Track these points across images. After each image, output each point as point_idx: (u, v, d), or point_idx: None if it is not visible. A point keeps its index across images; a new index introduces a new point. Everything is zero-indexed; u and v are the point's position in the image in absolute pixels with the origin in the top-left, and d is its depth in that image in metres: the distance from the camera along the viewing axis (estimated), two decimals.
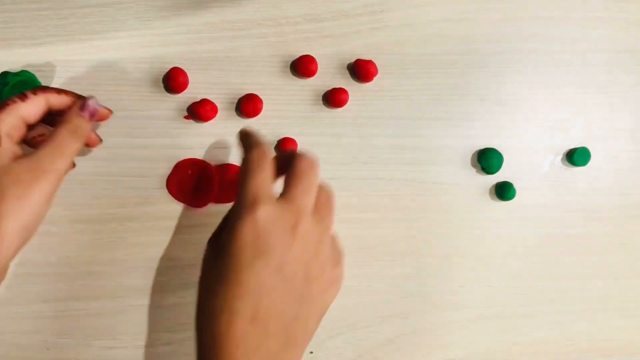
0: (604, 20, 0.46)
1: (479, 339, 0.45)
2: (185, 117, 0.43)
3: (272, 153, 0.35)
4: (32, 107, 0.34)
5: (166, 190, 0.42)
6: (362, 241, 0.44)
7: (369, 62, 0.43)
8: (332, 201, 0.34)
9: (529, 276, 0.45)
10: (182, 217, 0.43)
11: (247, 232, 0.29)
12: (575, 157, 0.45)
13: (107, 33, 0.43)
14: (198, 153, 0.43)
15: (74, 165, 0.40)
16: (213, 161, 0.43)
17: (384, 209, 0.44)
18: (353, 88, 0.44)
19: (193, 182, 0.40)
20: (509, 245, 0.45)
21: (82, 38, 0.43)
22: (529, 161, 0.46)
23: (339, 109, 0.44)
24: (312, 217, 0.32)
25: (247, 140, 0.34)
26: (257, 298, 0.29)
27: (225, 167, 0.42)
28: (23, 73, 0.42)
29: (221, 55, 0.44)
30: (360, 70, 0.44)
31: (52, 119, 0.37)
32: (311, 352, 0.44)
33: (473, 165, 0.45)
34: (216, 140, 0.43)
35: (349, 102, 0.44)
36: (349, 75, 0.45)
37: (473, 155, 0.45)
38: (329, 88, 0.44)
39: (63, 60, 0.43)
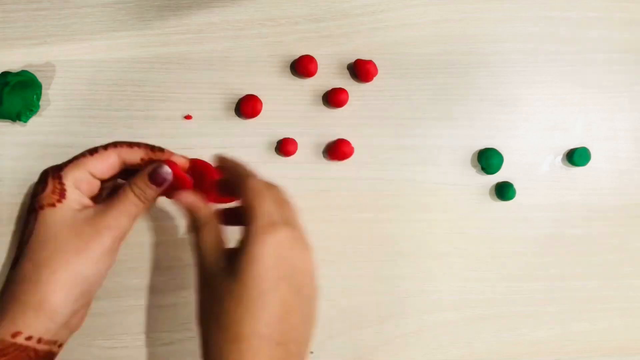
0: (604, 20, 0.46)
1: (479, 339, 0.45)
2: (186, 117, 0.43)
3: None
4: (100, 162, 0.34)
5: None
6: (362, 241, 0.44)
7: (369, 62, 0.44)
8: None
9: (529, 276, 0.45)
10: (182, 217, 0.43)
11: (269, 255, 0.29)
12: (575, 157, 0.45)
13: (107, 33, 0.43)
14: (198, 153, 0.43)
15: None
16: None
17: (384, 209, 0.44)
18: (353, 88, 0.44)
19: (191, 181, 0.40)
20: (509, 245, 0.45)
21: (82, 38, 0.43)
22: (529, 161, 0.46)
23: (339, 109, 0.44)
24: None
25: (235, 168, 0.35)
26: (282, 322, 0.30)
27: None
28: (23, 73, 0.42)
29: (221, 55, 0.44)
30: (360, 70, 0.44)
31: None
32: (311, 352, 0.44)
33: (473, 165, 0.45)
34: (216, 140, 0.43)
35: (349, 102, 0.44)
36: (349, 75, 0.45)
37: (473, 155, 0.45)
38: (329, 88, 0.44)
39: (63, 60, 0.43)
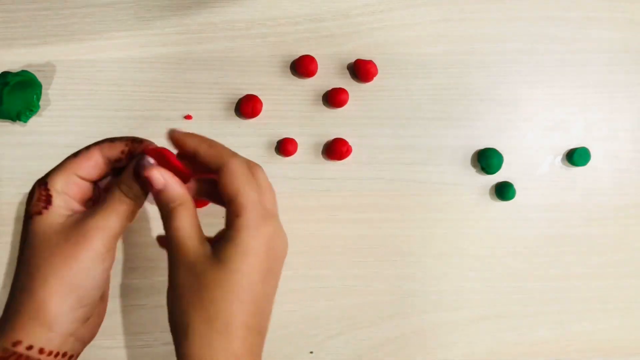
0: (604, 20, 0.46)
1: (479, 339, 0.45)
2: (186, 117, 0.43)
3: None
4: (84, 163, 0.33)
5: None
6: (362, 241, 0.44)
7: (369, 62, 0.44)
8: None
9: (529, 276, 0.45)
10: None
11: (259, 248, 0.30)
12: (575, 157, 0.45)
13: (107, 33, 0.43)
14: None
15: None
16: None
17: (384, 209, 0.44)
18: (353, 88, 0.44)
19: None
20: (509, 245, 0.45)
21: (82, 38, 0.43)
22: (529, 161, 0.46)
23: (339, 109, 0.44)
24: None
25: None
26: (263, 312, 0.31)
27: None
28: (23, 73, 0.42)
29: (221, 55, 0.44)
30: (360, 70, 0.44)
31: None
32: (311, 352, 0.44)
33: (473, 165, 0.45)
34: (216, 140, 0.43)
35: (349, 102, 0.44)
36: (349, 75, 0.45)
37: (473, 155, 0.45)
38: (329, 88, 0.44)
39: (63, 60, 0.43)
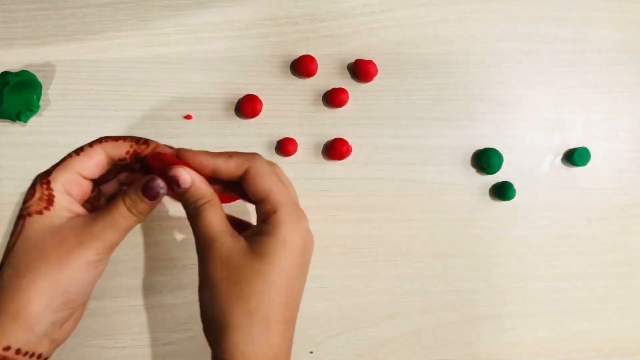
0: (604, 20, 0.46)
1: (479, 339, 0.45)
2: (186, 117, 0.43)
3: None
4: (87, 161, 0.32)
5: None
6: (362, 241, 0.44)
7: (369, 62, 0.44)
8: None
9: (529, 276, 0.45)
10: (182, 217, 0.42)
11: (297, 242, 0.31)
12: (575, 157, 0.45)
13: (107, 33, 0.43)
14: None
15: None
16: None
17: (384, 209, 0.44)
18: (353, 88, 0.44)
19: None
20: (509, 245, 0.45)
21: (82, 38, 0.43)
22: (529, 161, 0.46)
23: (339, 109, 0.44)
24: None
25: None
26: (297, 306, 0.32)
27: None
28: (23, 73, 0.42)
29: (221, 55, 0.44)
30: (360, 70, 0.44)
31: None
32: (311, 352, 0.44)
33: (473, 165, 0.45)
34: (216, 140, 0.43)
35: (349, 102, 0.44)
36: (349, 75, 0.45)
37: (473, 155, 0.45)
38: (329, 88, 0.44)
39: (63, 60, 0.43)
